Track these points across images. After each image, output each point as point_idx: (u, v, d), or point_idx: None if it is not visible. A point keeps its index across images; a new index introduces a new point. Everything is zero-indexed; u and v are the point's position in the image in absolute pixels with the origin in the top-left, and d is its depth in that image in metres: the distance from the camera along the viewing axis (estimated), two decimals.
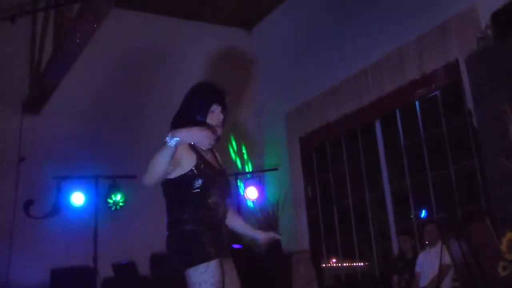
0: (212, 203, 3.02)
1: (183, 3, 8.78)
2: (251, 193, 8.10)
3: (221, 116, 3.10)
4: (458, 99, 6.40)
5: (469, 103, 5.92)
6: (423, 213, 6.89)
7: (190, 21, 9.12)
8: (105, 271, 7.15)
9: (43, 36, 7.54)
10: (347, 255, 7.88)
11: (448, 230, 5.51)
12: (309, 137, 8.49)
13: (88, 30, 6.15)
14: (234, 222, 3.30)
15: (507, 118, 4.91)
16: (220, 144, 3.25)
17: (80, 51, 6.58)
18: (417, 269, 6.11)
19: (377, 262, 7.48)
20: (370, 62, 7.44)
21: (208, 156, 3.14)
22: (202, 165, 3.03)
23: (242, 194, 8.15)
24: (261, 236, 3.34)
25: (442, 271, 5.63)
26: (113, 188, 7.50)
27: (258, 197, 8.18)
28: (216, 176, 3.08)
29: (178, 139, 2.72)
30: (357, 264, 7.63)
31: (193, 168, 3.01)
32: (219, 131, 3.11)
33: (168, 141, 2.72)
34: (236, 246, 7.03)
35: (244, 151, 8.68)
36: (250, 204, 8.30)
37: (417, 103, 7.07)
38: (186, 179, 3.01)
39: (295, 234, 8.37)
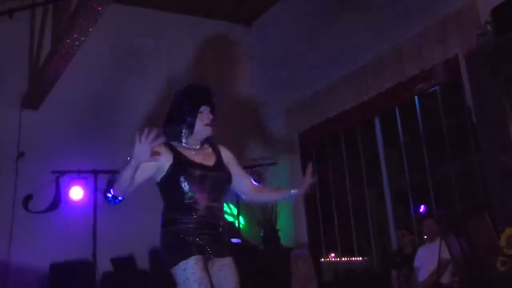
0: (194, 202, 3.04)
1: None
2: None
3: (211, 116, 3.18)
4: (457, 95, 6.39)
5: (469, 99, 5.92)
6: (422, 209, 6.90)
7: (189, 16, 9.11)
8: (104, 265, 7.17)
9: (42, 31, 7.54)
10: (346, 250, 7.90)
11: (447, 226, 5.51)
12: (308, 133, 8.49)
13: (87, 25, 6.13)
14: (263, 196, 3.45)
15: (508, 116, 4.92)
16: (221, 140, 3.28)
17: (79, 46, 6.56)
18: (416, 264, 6.12)
19: (376, 257, 7.49)
20: (370, 58, 7.43)
21: (193, 154, 3.14)
22: (178, 163, 3.08)
23: None
24: (298, 190, 3.49)
25: (441, 266, 5.64)
26: (112, 182, 7.48)
27: None
28: (198, 174, 3.07)
29: (133, 162, 2.90)
30: (356, 259, 7.64)
31: (169, 168, 3.08)
32: (211, 131, 3.18)
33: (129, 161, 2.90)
34: (234, 240, 7.05)
35: None
36: None
37: (416, 99, 7.07)
38: (166, 180, 3.10)
39: (294, 229, 8.38)
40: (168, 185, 3.11)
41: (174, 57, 8.67)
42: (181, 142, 3.16)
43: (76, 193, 7.48)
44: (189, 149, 3.15)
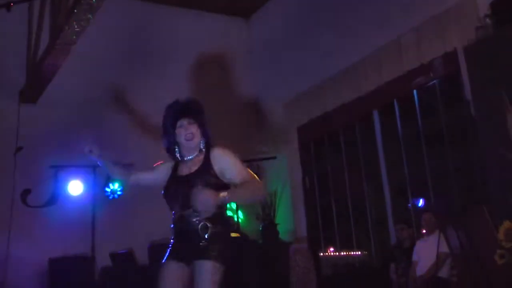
0: (173, 214, 3.27)
1: None
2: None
3: (189, 129, 3.27)
4: (456, 88, 6.38)
5: (468, 93, 5.91)
6: (421, 203, 6.90)
7: (187, 9, 9.09)
8: (103, 260, 7.17)
9: (40, 25, 7.49)
10: (345, 244, 7.90)
11: (445, 219, 5.52)
12: (307, 127, 8.48)
13: (85, 18, 6.11)
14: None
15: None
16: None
17: (77, 40, 6.54)
18: (414, 257, 6.13)
19: (375, 251, 7.50)
20: (369, 51, 7.42)
21: (185, 166, 3.31)
22: (169, 178, 3.34)
23: None
24: None
25: (440, 259, 5.64)
26: (110, 177, 7.48)
27: None
28: (174, 187, 3.26)
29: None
30: (354, 253, 7.64)
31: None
32: (192, 143, 3.28)
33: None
34: (234, 235, 7.05)
35: None
36: None
37: (415, 93, 7.06)
38: None
39: (293, 224, 8.39)
40: None
41: (172, 50, 8.65)
42: (178, 156, 3.34)
43: (75, 187, 7.47)
44: (184, 161, 3.32)
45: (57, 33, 6.67)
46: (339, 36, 7.90)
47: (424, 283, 5.78)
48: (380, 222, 7.51)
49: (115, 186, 7.53)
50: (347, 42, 7.76)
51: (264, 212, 8.13)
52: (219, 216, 3.17)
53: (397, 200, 7.33)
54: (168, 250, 3.25)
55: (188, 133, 3.26)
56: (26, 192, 7.29)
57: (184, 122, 3.27)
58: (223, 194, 3.07)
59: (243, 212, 8.45)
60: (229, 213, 8.24)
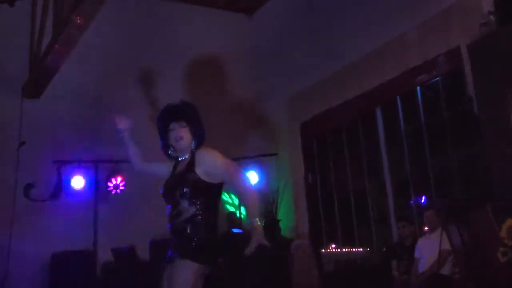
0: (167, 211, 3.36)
1: None
2: (251, 178, 8.03)
3: (179, 132, 3.39)
4: (459, 85, 6.37)
5: (471, 90, 5.90)
6: (423, 200, 6.89)
7: (190, 5, 9.07)
8: (105, 255, 7.18)
9: (43, 19, 7.48)
10: (347, 241, 7.90)
11: (447, 217, 5.51)
12: (310, 123, 8.48)
13: (89, 12, 6.11)
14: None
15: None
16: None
17: (81, 35, 6.54)
18: (416, 254, 6.12)
19: (377, 248, 7.49)
20: (372, 48, 7.40)
21: (178, 167, 3.43)
22: (168, 177, 3.46)
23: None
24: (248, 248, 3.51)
25: (442, 256, 5.64)
26: (113, 172, 7.49)
27: (259, 182, 8.16)
28: (164, 189, 3.39)
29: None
30: (356, 250, 7.65)
31: None
32: (180, 144, 3.39)
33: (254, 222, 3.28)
34: (236, 230, 7.06)
35: None
36: None
37: (418, 89, 7.04)
38: None
39: (295, 220, 8.39)
40: None
41: (175, 46, 8.64)
42: (173, 156, 3.47)
43: (77, 182, 7.47)
44: (179, 162, 3.45)
45: (60, 28, 6.66)
46: (342, 33, 7.88)
47: (426, 280, 5.77)
48: (382, 219, 7.50)
49: (118, 181, 7.53)
50: (350, 39, 7.74)
51: (266, 209, 8.13)
52: (201, 218, 3.24)
53: (399, 197, 7.33)
54: (170, 248, 3.31)
55: (177, 135, 3.38)
56: (29, 186, 7.30)
57: (175, 125, 3.40)
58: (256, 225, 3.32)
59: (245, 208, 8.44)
60: (231, 208, 8.27)
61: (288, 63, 8.85)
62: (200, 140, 3.41)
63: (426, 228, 6.26)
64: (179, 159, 3.43)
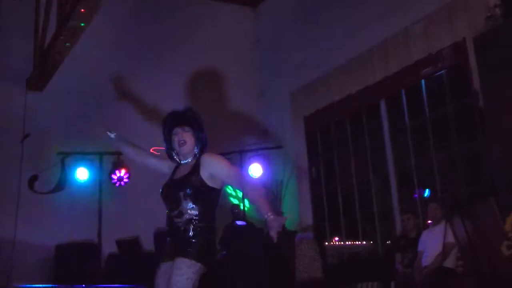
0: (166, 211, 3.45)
1: None
2: (255, 170, 8.02)
3: (182, 137, 3.49)
4: (464, 79, 6.35)
5: (476, 83, 5.88)
6: (427, 193, 6.88)
7: None
8: (109, 246, 7.21)
9: (47, 12, 7.48)
10: (351, 234, 7.91)
11: (451, 210, 5.51)
12: (314, 116, 8.47)
13: (93, 6, 6.11)
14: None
15: None
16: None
17: (85, 27, 6.54)
18: (420, 247, 6.11)
19: (380, 241, 7.50)
20: (377, 41, 7.38)
21: (179, 170, 3.51)
22: (167, 179, 3.53)
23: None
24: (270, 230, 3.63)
25: (446, 249, 5.63)
26: (117, 164, 7.49)
27: (263, 174, 8.15)
28: (165, 191, 3.46)
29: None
30: (360, 243, 7.65)
31: None
32: (184, 149, 3.48)
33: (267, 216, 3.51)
34: (239, 223, 7.07)
35: None
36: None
37: (423, 83, 7.03)
38: None
39: (299, 213, 8.40)
40: None
41: (180, 40, 8.64)
42: (177, 160, 3.55)
43: (82, 174, 7.48)
44: (181, 165, 3.53)
45: (64, 21, 6.66)
46: (347, 26, 7.86)
47: (429, 273, 5.77)
48: (386, 212, 7.50)
49: (122, 173, 7.53)
50: (354, 32, 7.72)
51: (270, 201, 8.13)
52: (202, 220, 3.32)
53: (403, 190, 7.32)
54: (164, 248, 3.43)
55: (180, 140, 3.48)
56: (34, 178, 7.31)
57: (178, 130, 3.50)
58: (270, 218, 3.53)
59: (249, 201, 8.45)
60: (234, 201, 8.27)
61: (292, 57, 8.84)
62: (202, 144, 3.52)
63: (429, 222, 6.25)
64: (181, 162, 3.52)
